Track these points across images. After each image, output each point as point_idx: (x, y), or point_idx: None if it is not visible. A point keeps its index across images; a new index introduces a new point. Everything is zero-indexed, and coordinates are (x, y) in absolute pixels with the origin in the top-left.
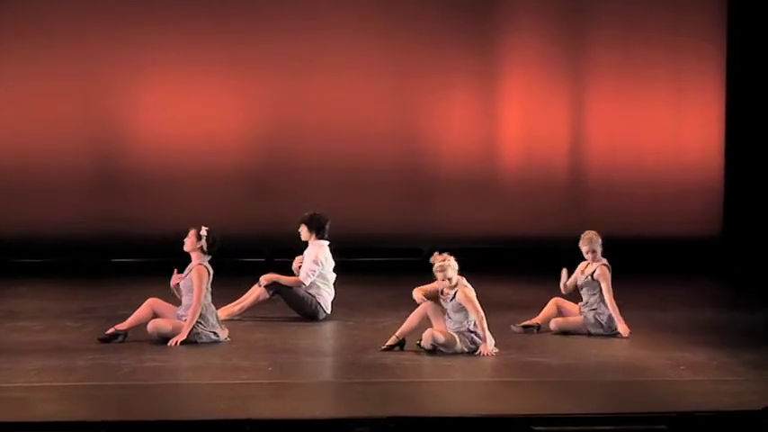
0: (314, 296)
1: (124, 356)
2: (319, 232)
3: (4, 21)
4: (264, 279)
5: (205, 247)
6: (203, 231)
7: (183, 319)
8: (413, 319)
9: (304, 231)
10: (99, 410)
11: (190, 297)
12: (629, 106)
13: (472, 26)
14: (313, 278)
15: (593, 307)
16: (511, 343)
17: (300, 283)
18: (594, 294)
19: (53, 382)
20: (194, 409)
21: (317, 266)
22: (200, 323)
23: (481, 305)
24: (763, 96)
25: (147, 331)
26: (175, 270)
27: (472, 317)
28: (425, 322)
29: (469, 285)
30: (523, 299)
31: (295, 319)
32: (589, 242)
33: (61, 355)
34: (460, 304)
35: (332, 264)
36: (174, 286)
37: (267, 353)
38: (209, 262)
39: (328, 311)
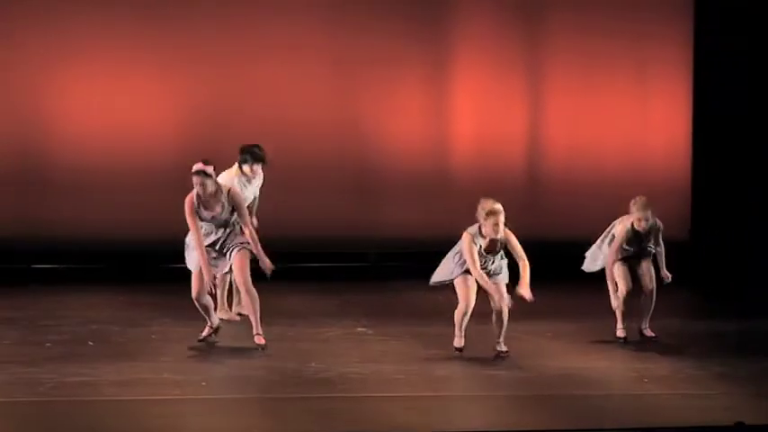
0: None
1: (46, 370)
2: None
3: None
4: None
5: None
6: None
7: None
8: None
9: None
10: (14, 430)
11: None
12: (590, 99)
13: (421, 11)
14: None
15: None
16: (463, 354)
17: None
18: None
19: None
20: (121, 429)
21: None
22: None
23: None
24: (732, 87)
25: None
26: None
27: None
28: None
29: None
30: (479, 308)
31: (231, 328)
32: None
33: None
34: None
35: None
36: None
37: (201, 366)
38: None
39: None
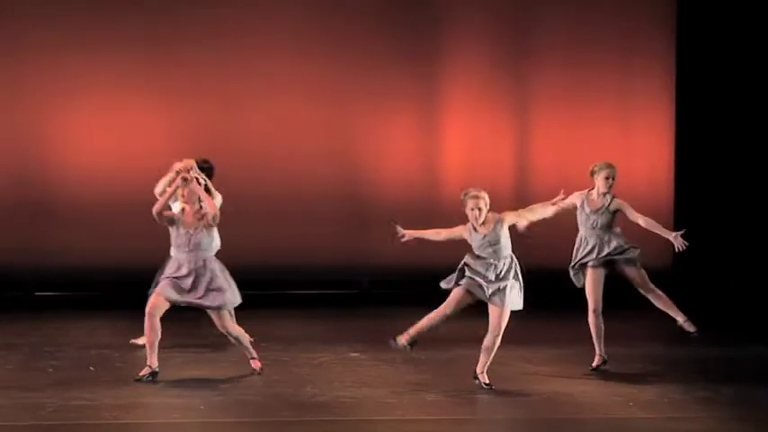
0: None
1: (48, 395)
2: None
3: None
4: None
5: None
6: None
7: None
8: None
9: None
10: None
11: None
12: (576, 131)
13: (413, 48)
14: None
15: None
16: (451, 380)
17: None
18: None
19: None
20: None
21: None
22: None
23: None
24: (713, 118)
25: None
26: None
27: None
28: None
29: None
30: (471, 333)
31: (228, 354)
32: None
33: None
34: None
35: None
36: None
37: (199, 390)
38: None
39: None
